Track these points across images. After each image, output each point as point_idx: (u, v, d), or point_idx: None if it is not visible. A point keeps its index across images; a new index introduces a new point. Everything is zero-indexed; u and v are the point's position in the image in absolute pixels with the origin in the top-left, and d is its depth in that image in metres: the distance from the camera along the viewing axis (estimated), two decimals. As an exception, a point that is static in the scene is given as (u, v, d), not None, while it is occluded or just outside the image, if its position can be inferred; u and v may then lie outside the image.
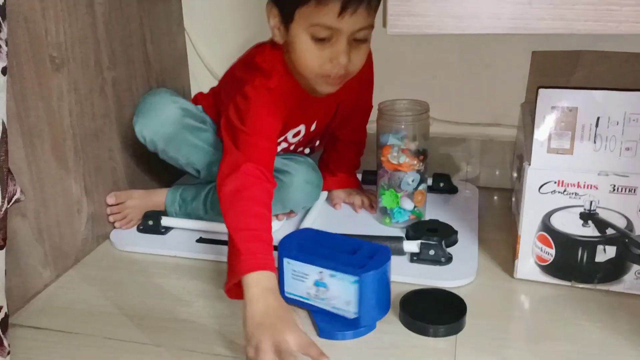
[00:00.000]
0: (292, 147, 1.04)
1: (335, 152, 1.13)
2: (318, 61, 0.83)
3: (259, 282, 0.71)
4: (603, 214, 0.80)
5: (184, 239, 1.02)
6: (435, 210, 1.07)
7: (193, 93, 1.30)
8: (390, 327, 0.77)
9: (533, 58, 1.12)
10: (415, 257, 0.91)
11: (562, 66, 1.11)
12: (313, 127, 1.01)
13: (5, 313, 0.72)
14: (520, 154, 0.95)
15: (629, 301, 0.82)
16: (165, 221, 1.04)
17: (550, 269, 0.85)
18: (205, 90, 1.11)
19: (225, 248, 0.96)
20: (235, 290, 0.76)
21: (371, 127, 1.06)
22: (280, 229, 1.02)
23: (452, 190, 1.17)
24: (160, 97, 1.02)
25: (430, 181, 1.14)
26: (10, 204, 0.70)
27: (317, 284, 0.77)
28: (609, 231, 0.80)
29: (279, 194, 0.95)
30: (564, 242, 0.82)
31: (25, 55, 0.83)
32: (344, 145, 1.12)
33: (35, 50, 0.85)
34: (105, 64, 1.01)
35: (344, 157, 1.13)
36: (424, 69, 1.19)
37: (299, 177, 0.98)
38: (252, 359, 0.66)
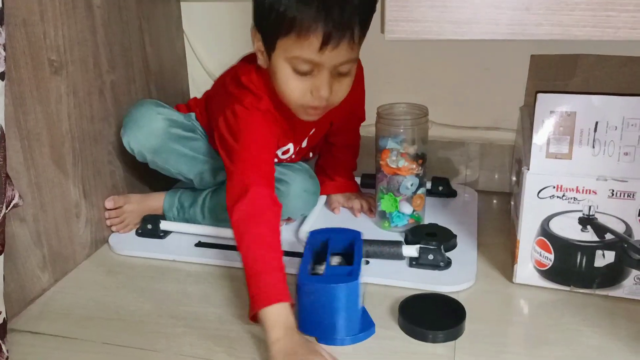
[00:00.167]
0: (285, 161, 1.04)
1: (332, 156, 1.12)
2: (299, 92, 0.82)
3: (278, 319, 0.71)
4: (602, 219, 0.80)
5: (182, 243, 1.01)
6: (434, 214, 1.07)
7: (192, 96, 1.29)
8: (389, 333, 0.77)
9: (532, 61, 1.12)
10: (414, 262, 0.91)
11: (561, 69, 1.11)
12: (304, 144, 1.01)
13: (4, 318, 0.72)
14: (519, 158, 0.95)
15: (628, 306, 0.82)
16: (164, 225, 1.04)
17: (549, 274, 0.85)
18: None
19: (223, 252, 0.97)
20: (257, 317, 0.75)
21: (370, 130, 1.05)
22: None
23: (451, 194, 1.17)
24: (145, 109, 1.00)
25: (429, 185, 1.14)
26: (9, 209, 0.70)
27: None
28: (608, 236, 0.80)
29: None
30: (562, 247, 0.82)
31: (24, 59, 0.83)
32: (339, 150, 1.12)
33: (34, 53, 0.84)
34: (104, 67, 1.01)
35: (341, 161, 1.13)
36: (422, 72, 1.19)
37: (297, 186, 0.97)
38: None
